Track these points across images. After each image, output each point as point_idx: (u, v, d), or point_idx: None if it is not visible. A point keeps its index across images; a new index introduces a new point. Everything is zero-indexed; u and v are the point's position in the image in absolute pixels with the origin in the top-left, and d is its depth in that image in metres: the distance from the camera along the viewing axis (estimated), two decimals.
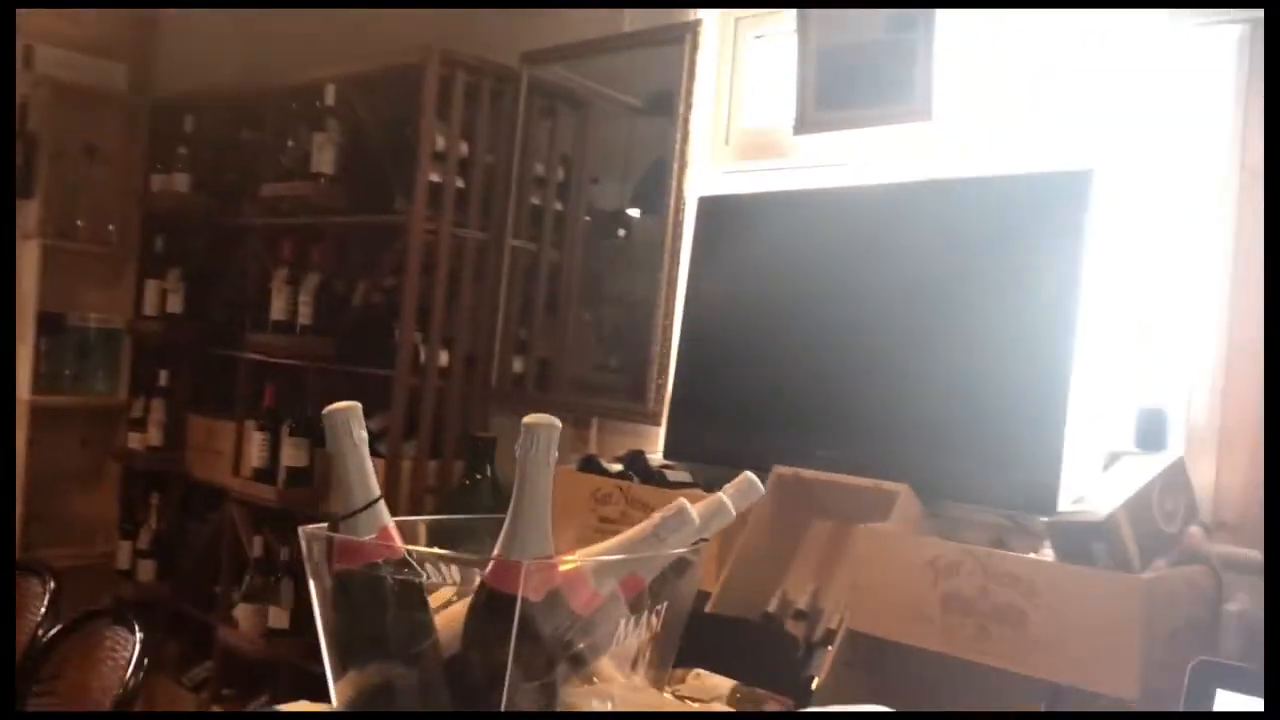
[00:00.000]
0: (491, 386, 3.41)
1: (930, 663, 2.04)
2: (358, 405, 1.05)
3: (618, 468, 2.74)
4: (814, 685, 2.13)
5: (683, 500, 1.13)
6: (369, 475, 1.04)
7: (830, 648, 2.21)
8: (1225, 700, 1.36)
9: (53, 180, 3.95)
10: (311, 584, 1.07)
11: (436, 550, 1.08)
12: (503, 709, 0.99)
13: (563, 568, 1.04)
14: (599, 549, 1.12)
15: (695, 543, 1.20)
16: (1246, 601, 1.90)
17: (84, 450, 4.14)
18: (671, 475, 2.73)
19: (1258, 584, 1.91)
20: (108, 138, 4.11)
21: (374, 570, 1.02)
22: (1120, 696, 1.75)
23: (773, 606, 2.46)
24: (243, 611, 3.41)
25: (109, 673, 1.99)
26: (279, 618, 3.31)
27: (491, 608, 1.00)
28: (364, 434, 1.05)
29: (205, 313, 3.88)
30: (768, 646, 2.27)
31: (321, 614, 1.06)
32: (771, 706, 1.94)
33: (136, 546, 3.87)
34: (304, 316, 3.33)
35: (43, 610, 2.24)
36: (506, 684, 0.98)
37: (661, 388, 2.94)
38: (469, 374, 3.38)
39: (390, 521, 1.05)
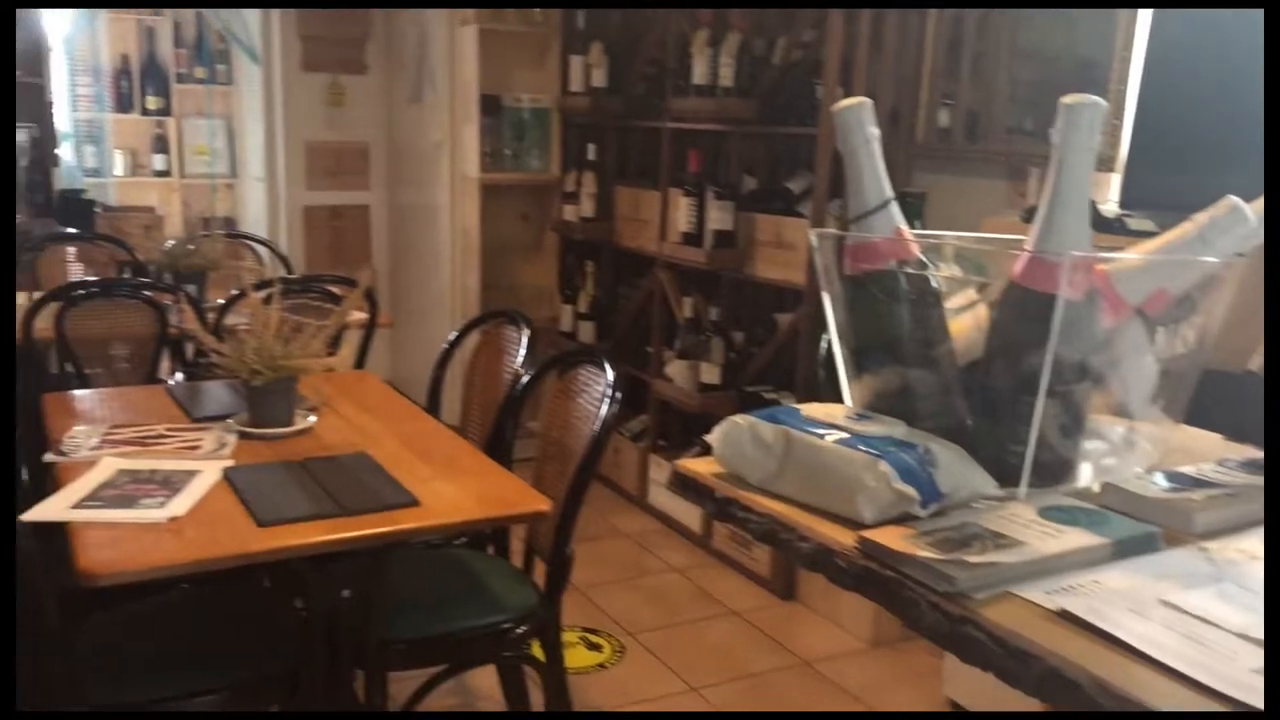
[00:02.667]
0: (917, 141, 3.26)
1: None
2: (868, 100, 1.00)
3: None
4: None
5: (1233, 197, 0.99)
6: (882, 174, 1.00)
7: None
8: None
9: None
10: (823, 289, 1.05)
11: (957, 240, 1.02)
12: (1035, 423, 0.94)
13: (1104, 267, 0.95)
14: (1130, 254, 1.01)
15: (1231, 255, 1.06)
16: None
17: (524, 224, 4.49)
18: (1132, 224, 2.49)
19: None
20: None
21: (888, 271, 0.99)
22: None
23: (1255, 364, 2.22)
24: (676, 368, 3.60)
25: (586, 404, 2.17)
26: (710, 373, 3.47)
27: (1023, 307, 0.94)
28: (875, 130, 0.99)
29: (626, 85, 3.97)
30: (1253, 402, 2.06)
31: (834, 317, 1.04)
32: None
33: (576, 310, 4.19)
34: (725, 78, 3.31)
35: (521, 354, 2.46)
36: (1042, 390, 0.92)
37: (1117, 129, 2.66)
38: (894, 129, 3.24)
39: (903, 222, 1.00)
